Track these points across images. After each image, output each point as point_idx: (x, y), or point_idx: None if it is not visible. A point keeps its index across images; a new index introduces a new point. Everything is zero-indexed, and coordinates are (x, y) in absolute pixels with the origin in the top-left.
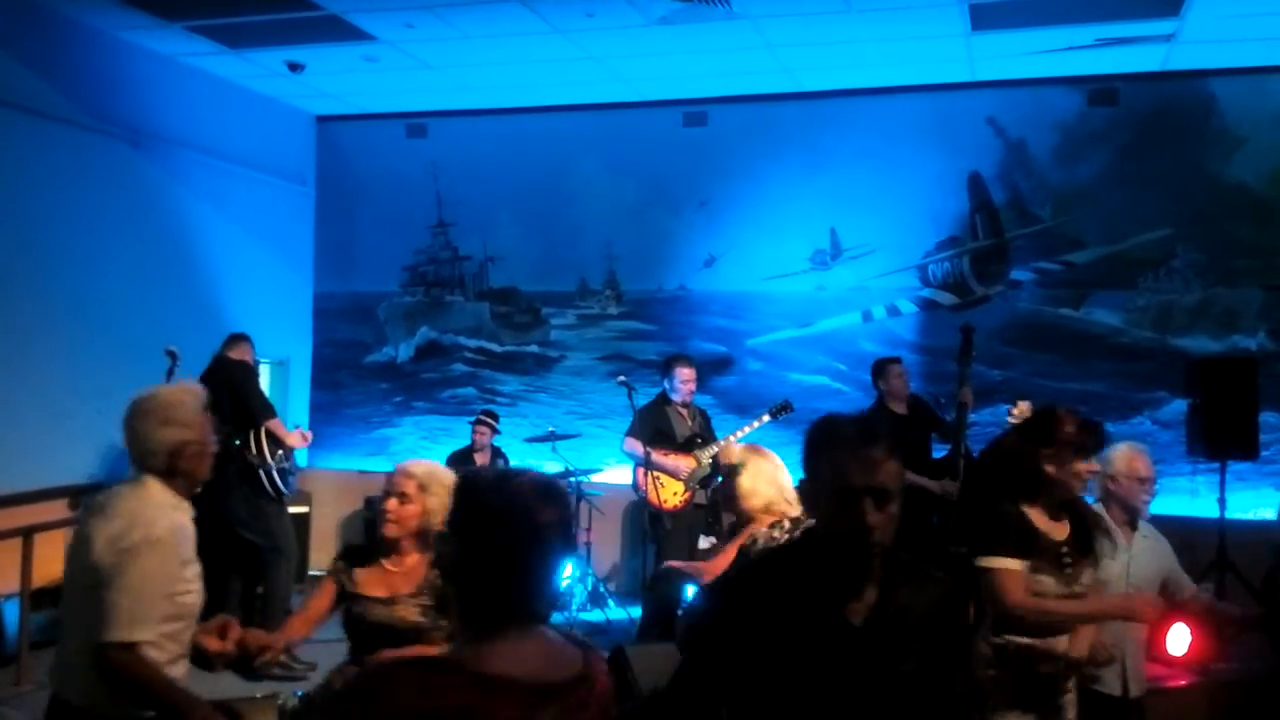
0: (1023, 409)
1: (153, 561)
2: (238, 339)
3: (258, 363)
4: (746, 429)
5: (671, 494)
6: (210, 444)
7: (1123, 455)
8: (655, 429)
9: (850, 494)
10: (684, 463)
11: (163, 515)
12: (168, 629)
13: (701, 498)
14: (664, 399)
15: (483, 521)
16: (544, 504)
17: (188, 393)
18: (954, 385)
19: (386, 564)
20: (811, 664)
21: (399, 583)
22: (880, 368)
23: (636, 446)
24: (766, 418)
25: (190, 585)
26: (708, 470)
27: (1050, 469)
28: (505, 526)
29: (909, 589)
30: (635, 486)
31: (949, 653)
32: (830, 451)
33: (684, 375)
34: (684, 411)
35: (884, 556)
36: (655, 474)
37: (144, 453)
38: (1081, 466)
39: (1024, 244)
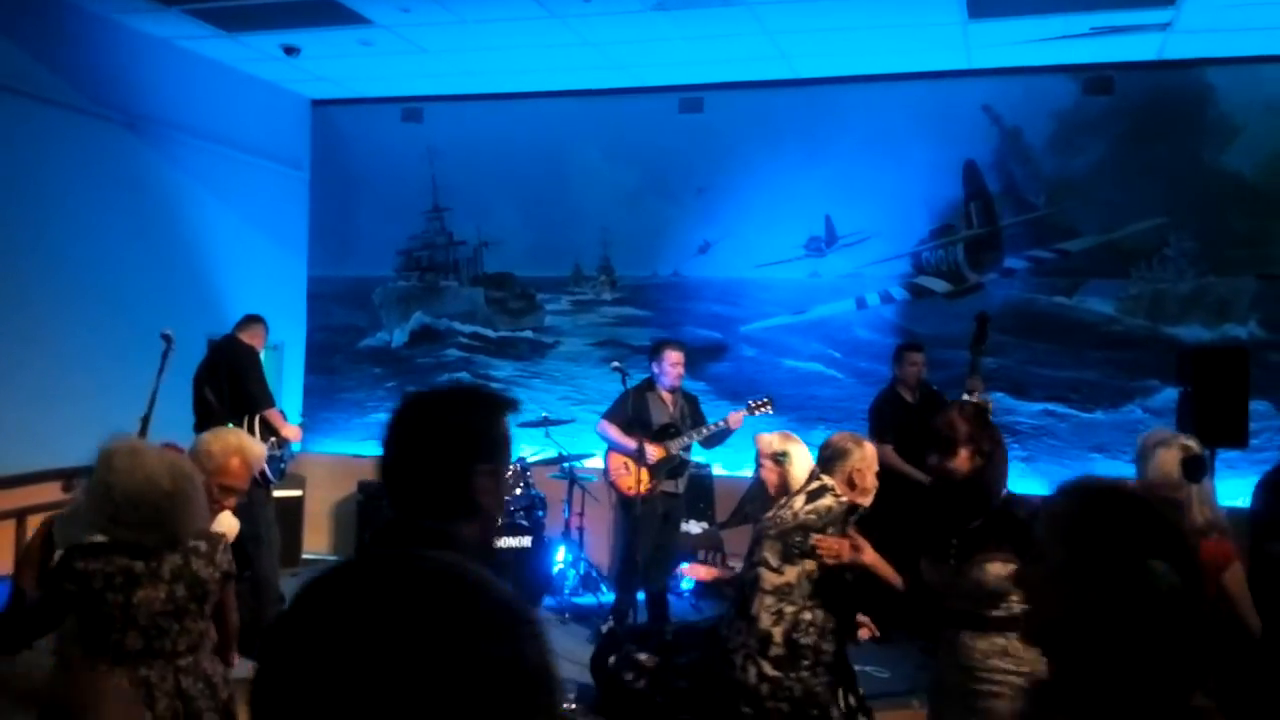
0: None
1: None
2: (251, 321)
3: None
4: (720, 424)
5: (635, 480)
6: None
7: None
8: (635, 415)
9: None
10: (652, 451)
11: None
12: None
13: (674, 486)
14: (649, 385)
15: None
16: None
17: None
18: (947, 372)
19: None
20: None
21: None
22: (898, 353)
23: (608, 429)
24: (744, 413)
25: None
26: (677, 461)
27: None
28: None
29: None
30: (606, 471)
31: None
32: None
33: (672, 359)
34: (668, 397)
35: None
36: (625, 458)
37: None
38: None
39: (1018, 232)
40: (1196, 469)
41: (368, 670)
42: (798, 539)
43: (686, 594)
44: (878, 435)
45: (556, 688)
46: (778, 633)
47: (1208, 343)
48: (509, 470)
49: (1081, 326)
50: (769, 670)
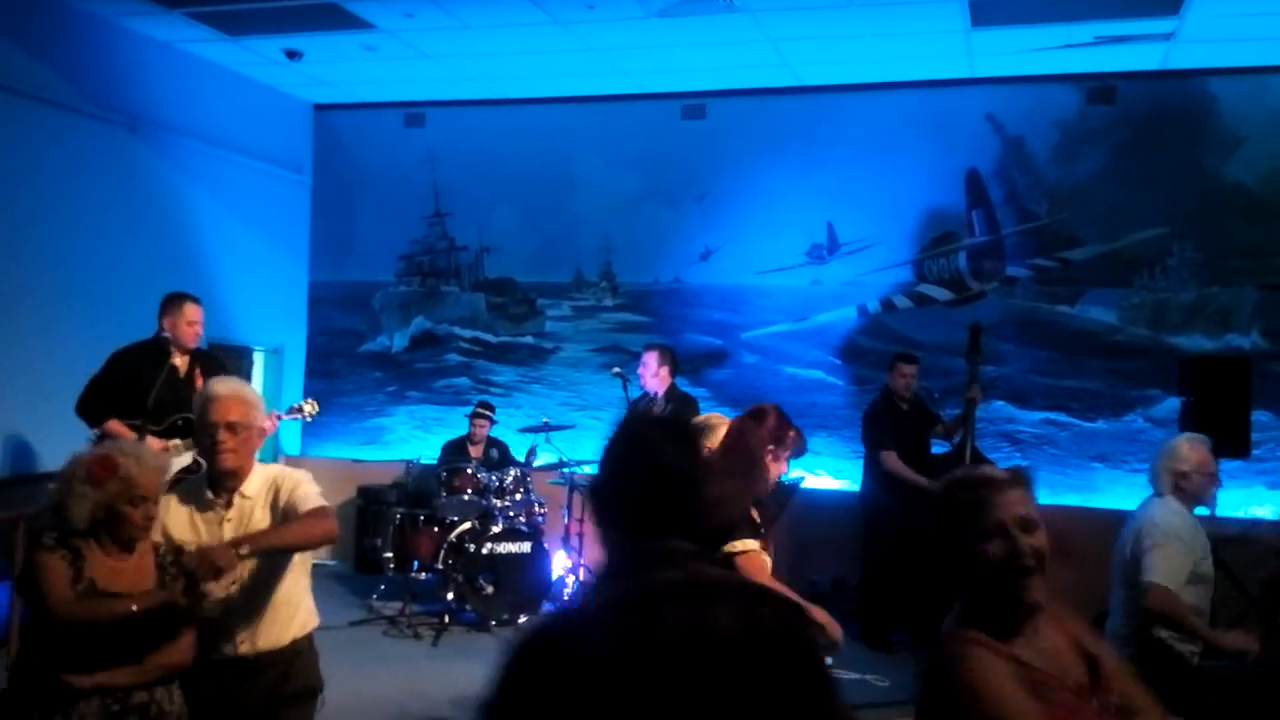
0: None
1: None
2: (167, 301)
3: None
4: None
5: None
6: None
7: (1194, 450)
8: None
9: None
10: None
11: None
12: None
13: None
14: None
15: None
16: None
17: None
18: (949, 380)
19: None
20: None
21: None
22: (891, 362)
23: None
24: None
25: None
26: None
27: None
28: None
29: None
30: None
31: None
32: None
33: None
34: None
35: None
36: None
37: None
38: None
39: (1020, 241)
40: None
41: None
42: None
43: None
44: (877, 443)
45: None
46: None
47: (1210, 352)
48: None
49: (1083, 335)
50: None
